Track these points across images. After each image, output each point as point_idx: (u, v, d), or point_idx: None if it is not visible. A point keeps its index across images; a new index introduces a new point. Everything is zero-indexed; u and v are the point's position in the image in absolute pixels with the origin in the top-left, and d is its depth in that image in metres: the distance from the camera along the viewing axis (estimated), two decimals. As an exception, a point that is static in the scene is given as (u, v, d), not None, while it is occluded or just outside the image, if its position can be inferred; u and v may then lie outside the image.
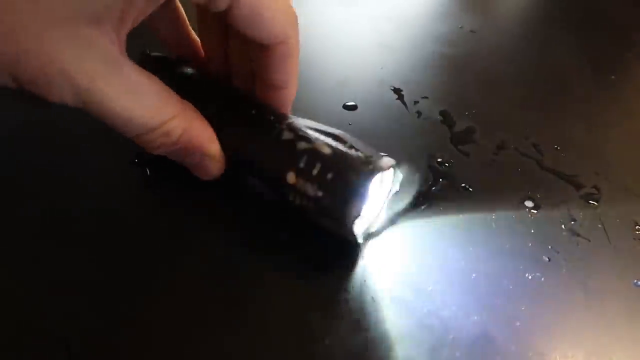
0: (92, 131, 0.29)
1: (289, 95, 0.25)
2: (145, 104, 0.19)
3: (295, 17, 0.22)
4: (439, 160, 0.30)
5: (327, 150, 0.21)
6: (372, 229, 0.24)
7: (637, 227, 0.27)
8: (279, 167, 0.22)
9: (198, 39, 0.27)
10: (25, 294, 0.20)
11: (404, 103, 0.35)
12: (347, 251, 0.23)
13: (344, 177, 0.20)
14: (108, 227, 0.23)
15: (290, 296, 0.21)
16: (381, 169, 0.21)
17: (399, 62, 0.41)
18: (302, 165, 0.21)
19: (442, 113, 0.34)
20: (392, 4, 0.52)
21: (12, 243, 0.22)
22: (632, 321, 0.22)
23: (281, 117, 0.23)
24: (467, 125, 0.33)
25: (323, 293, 0.21)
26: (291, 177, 0.21)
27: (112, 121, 0.19)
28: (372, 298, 0.21)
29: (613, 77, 0.43)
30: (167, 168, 0.27)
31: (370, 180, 0.20)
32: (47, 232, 0.23)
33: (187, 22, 0.26)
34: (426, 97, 0.36)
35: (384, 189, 0.24)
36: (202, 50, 0.27)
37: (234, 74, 0.27)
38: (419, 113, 0.34)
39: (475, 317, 0.21)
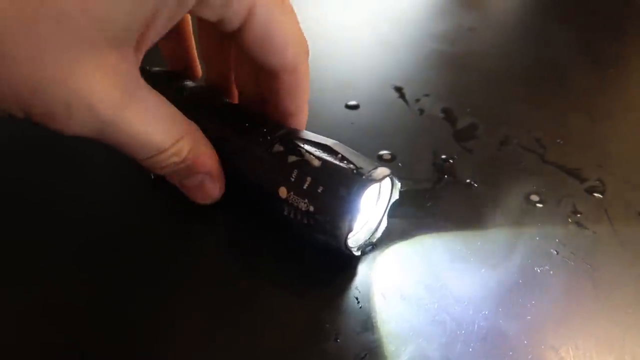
0: (89, 141, 0.29)
1: (299, 122, 0.24)
2: (159, 127, 0.19)
3: (307, 47, 0.22)
4: (443, 157, 0.30)
5: (316, 163, 0.20)
6: (374, 240, 0.23)
7: (642, 218, 0.27)
8: (271, 183, 0.21)
9: (197, 61, 0.27)
10: (33, 301, 0.20)
11: (406, 101, 0.35)
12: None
13: (334, 191, 0.20)
14: (111, 232, 0.23)
15: (300, 295, 0.21)
16: (373, 181, 0.20)
17: (399, 60, 0.41)
18: (292, 179, 0.21)
19: (444, 110, 0.34)
20: (390, 4, 0.53)
21: (18, 250, 0.22)
22: (641, 311, 0.22)
23: (274, 129, 0.23)
24: (470, 122, 0.33)
25: (333, 291, 0.21)
26: (283, 192, 0.21)
27: (127, 147, 0.19)
28: (383, 295, 0.21)
29: (612, 70, 0.44)
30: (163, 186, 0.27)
31: (362, 194, 0.20)
32: (49, 238, 0.23)
33: (193, 41, 0.26)
34: (427, 95, 0.36)
35: (382, 199, 0.23)
36: (199, 72, 0.27)
37: (239, 97, 0.26)
38: (420, 111, 0.34)
39: (486, 312, 0.21)
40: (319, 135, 0.22)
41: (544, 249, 0.24)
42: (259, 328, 0.20)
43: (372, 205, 0.23)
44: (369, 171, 0.20)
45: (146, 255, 0.22)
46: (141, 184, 0.26)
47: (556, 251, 0.24)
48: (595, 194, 0.28)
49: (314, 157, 0.21)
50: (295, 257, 0.23)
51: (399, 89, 0.36)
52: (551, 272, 0.23)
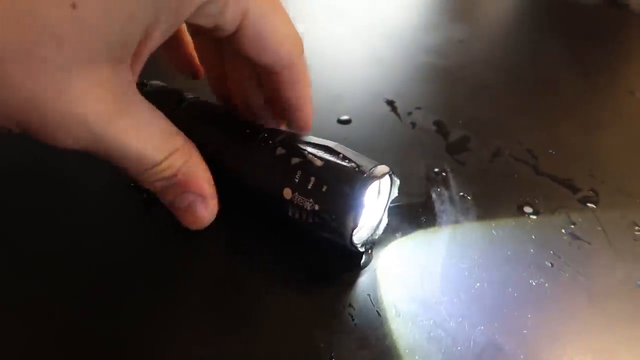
0: (86, 155, 0.29)
1: (305, 117, 0.25)
2: (153, 140, 0.19)
3: (301, 43, 0.22)
4: (436, 170, 0.30)
5: (319, 163, 0.21)
6: (376, 237, 0.24)
7: (636, 227, 0.27)
8: (275, 184, 0.22)
9: (197, 60, 0.27)
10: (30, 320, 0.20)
11: (398, 115, 0.35)
12: (350, 265, 0.23)
13: (338, 189, 0.21)
14: (108, 251, 0.23)
15: (294, 313, 0.21)
16: (375, 178, 0.21)
17: (390, 74, 0.41)
18: (296, 180, 0.21)
19: (436, 123, 0.34)
20: (381, 18, 0.53)
21: (13, 273, 0.22)
22: (638, 322, 0.22)
23: (274, 134, 0.24)
24: (462, 134, 0.33)
25: (327, 309, 0.21)
26: (287, 193, 0.22)
27: (121, 161, 0.19)
28: (377, 312, 0.21)
29: (602, 79, 0.44)
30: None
31: (365, 190, 0.20)
32: (44, 262, 0.22)
33: (191, 42, 0.26)
34: (419, 108, 0.36)
35: (382, 196, 0.24)
36: (201, 71, 0.27)
37: (233, 98, 0.27)
38: (413, 124, 0.34)
39: (482, 327, 0.21)
40: (319, 138, 0.23)
41: (538, 261, 0.24)
42: (252, 349, 0.19)
43: (374, 202, 0.23)
44: (370, 169, 0.21)
45: (140, 274, 0.22)
46: (134, 203, 0.26)
47: (551, 263, 0.24)
48: (589, 204, 0.28)
49: (316, 158, 0.21)
50: (286, 276, 0.23)
51: (390, 103, 0.36)
52: (546, 285, 0.23)
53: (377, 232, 0.24)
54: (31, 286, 0.21)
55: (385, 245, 0.24)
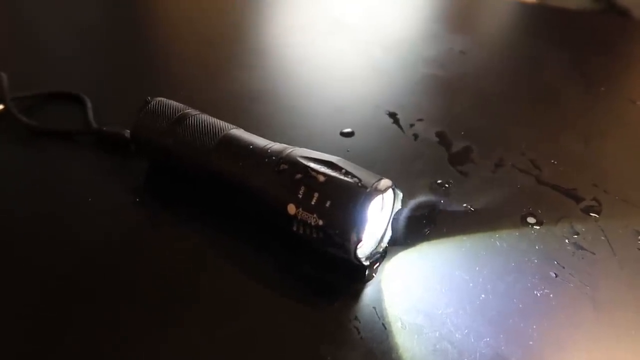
0: (91, 172, 0.29)
1: None
2: None
3: None
4: (439, 181, 0.30)
5: (322, 179, 0.22)
6: (380, 249, 0.24)
7: (639, 237, 0.27)
8: (279, 200, 0.22)
9: None
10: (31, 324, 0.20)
11: (400, 126, 0.35)
12: (354, 279, 0.23)
13: (341, 204, 0.21)
14: (114, 266, 0.23)
15: (300, 327, 0.21)
16: (378, 192, 0.21)
17: (392, 86, 0.42)
18: (300, 195, 0.22)
19: (438, 134, 0.35)
20: (381, 31, 0.54)
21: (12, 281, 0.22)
22: (644, 333, 0.22)
23: (277, 150, 0.24)
24: (464, 145, 0.34)
25: (333, 322, 0.21)
26: (292, 209, 0.22)
27: None
28: (383, 325, 0.21)
29: (603, 89, 0.44)
30: (171, 207, 0.27)
31: (367, 205, 0.21)
32: (50, 276, 0.23)
33: None
34: (421, 120, 0.36)
35: (385, 209, 0.24)
36: None
37: None
38: (415, 136, 0.35)
39: (488, 339, 0.21)
40: (321, 153, 0.23)
41: (543, 271, 0.24)
42: (259, 363, 0.20)
43: (377, 215, 0.24)
44: (373, 183, 0.21)
45: (148, 291, 0.22)
46: (140, 219, 0.26)
47: (555, 274, 0.24)
48: (592, 214, 0.28)
49: (319, 174, 0.22)
50: (293, 290, 0.23)
51: (393, 115, 0.37)
52: (551, 296, 0.23)
53: (382, 245, 0.24)
54: (29, 295, 0.21)
55: (390, 258, 0.24)
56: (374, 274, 0.23)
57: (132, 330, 0.21)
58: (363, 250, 0.23)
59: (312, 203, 0.21)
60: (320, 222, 0.21)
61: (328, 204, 0.21)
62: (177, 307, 0.22)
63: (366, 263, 0.23)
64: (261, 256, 0.24)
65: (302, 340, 0.20)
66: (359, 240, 0.21)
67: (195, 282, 0.23)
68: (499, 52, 0.53)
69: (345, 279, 0.23)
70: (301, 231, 0.22)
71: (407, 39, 0.52)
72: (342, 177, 0.22)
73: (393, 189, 0.23)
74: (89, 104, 0.34)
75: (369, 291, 0.23)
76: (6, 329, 0.20)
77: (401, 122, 0.36)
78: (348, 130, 0.34)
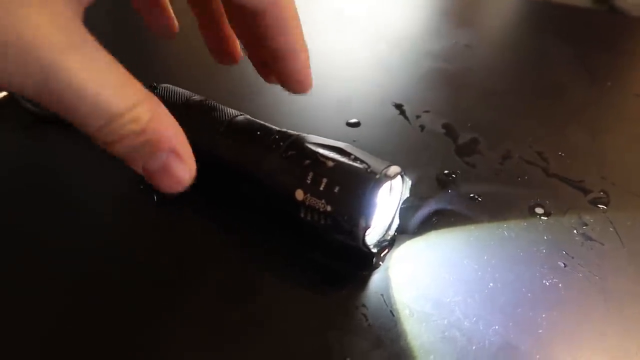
0: (97, 159, 0.29)
1: (302, 62, 0.22)
2: (111, 86, 0.16)
3: None
4: (446, 172, 0.30)
5: (330, 164, 0.21)
6: (388, 237, 0.24)
7: (648, 228, 0.27)
8: (287, 186, 0.22)
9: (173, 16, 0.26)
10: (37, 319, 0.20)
11: (407, 118, 0.35)
12: (362, 267, 0.23)
13: (350, 190, 0.21)
14: (119, 253, 0.23)
15: (308, 314, 0.21)
16: (387, 178, 0.21)
17: (398, 79, 0.42)
18: (308, 181, 0.21)
19: (444, 126, 0.34)
20: (387, 25, 0.54)
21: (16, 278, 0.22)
22: (654, 323, 0.22)
23: (285, 136, 0.24)
24: (471, 137, 0.33)
25: (341, 310, 0.21)
26: (299, 194, 0.22)
27: (76, 108, 0.16)
28: (391, 312, 0.21)
29: (609, 83, 0.44)
30: (177, 194, 0.27)
31: (377, 191, 0.21)
32: (53, 265, 0.22)
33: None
34: (428, 111, 0.36)
35: (394, 196, 0.24)
36: (175, 25, 0.26)
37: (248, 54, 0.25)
38: (422, 127, 0.34)
39: (497, 327, 0.21)
40: (329, 139, 0.23)
41: (551, 261, 0.24)
42: (266, 351, 0.19)
43: (386, 202, 0.23)
44: (382, 170, 0.21)
45: (151, 278, 0.22)
46: (143, 206, 0.26)
47: (564, 264, 0.24)
48: (600, 206, 0.28)
49: (327, 159, 0.21)
50: (299, 278, 0.23)
51: (399, 106, 0.36)
52: (560, 285, 0.23)
53: (389, 233, 0.24)
54: (40, 285, 0.21)
55: (398, 246, 0.24)
56: (381, 262, 0.23)
57: (139, 316, 0.20)
58: (371, 238, 0.23)
59: (321, 189, 0.21)
60: (329, 208, 0.21)
61: (337, 189, 0.21)
62: (184, 295, 0.21)
63: (374, 250, 0.23)
64: (268, 243, 0.24)
65: (310, 326, 0.20)
66: (368, 227, 0.21)
67: (202, 270, 0.23)
68: (504, 46, 0.53)
69: (353, 266, 0.23)
70: (309, 217, 0.22)
71: (413, 33, 0.52)
72: (351, 162, 0.21)
73: (402, 176, 0.23)
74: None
75: (376, 279, 0.22)
76: (6, 318, 0.20)
77: (407, 114, 0.36)
78: (354, 120, 0.34)
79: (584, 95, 0.42)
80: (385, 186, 0.22)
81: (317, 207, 0.21)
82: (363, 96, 0.38)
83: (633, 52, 0.55)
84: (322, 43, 0.46)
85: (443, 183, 0.29)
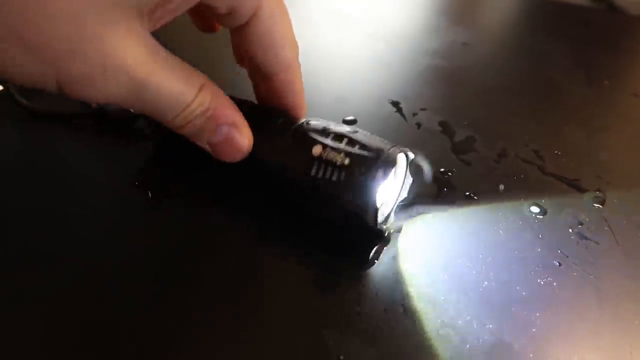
0: (90, 155, 0.29)
1: (299, 116, 0.26)
2: (183, 81, 0.20)
3: (297, 46, 0.24)
4: (442, 170, 0.30)
5: (352, 134, 0.22)
6: (390, 220, 0.24)
7: (643, 228, 0.27)
8: (308, 143, 0.22)
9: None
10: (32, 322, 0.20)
11: (403, 115, 0.35)
12: (357, 264, 0.23)
13: (372, 147, 0.21)
14: (113, 250, 0.23)
15: (302, 312, 0.21)
16: (405, 151, 0.23)
17: (395, 76, 0.41)
18: (329, 139, 0.22)
19: (441, 123, 0.34)
20: (385, 23, 0.53)
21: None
22: (648, 322, 0.22)
23: (293, 118, 0.25)
24: (467, 135, 0.33)
25: (335, 307, 0.21)
26: (317, 150, 0.22)
27: (158, 106, 0.20)
28: (385, 310, 0.21)
29: (606, 82, 0.44)
30: (169, 188, 0.26)
31: (397, 151, 0.22)
32: (48, 260, 0.22)
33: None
34: (424, 109, 0.36)
35: (398, 177, 0.24)
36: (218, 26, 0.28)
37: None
38: (418, 124, 0.34)
39: (491, 326, 0.21)
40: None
41: (546, 260, 0.24)
42: (261, 348, 0.19)
43: (395, 179, 0.24)
44: (397, 145, 0.22)
45: (145, 275, 0.22)
46: (137, 202, 0.26)
47: (559, 263, 0.24)
48: (596, 205, 0.28)
49: (347, 130, 0.22)
50: (296, 275, 0.22)
51: (395, 104, 0.36)
52: (554, 284, 0.23)
53: (391, 217, 0.25)
54: (36, 284, 0.21)
55: (392, 244, 0.24)
56: (375, 260, 0.23)
57: (129, 314, 0.20)
58: (381, 212, 0.23)
59: (341, 145, 0.22)
60: (347, 161, 0.21)
61: (357, 146, 0.22)
62: (177, 292, 0.21)
63: (382, 227, 0.23)
64: (263, 240, 0.24)
65: (304, 324, 0.20)
66: (385, 178, 0.21)
67: (195, 267, 0.22)
68: (501, 44, 0.53)
69: (348, 263, 0.23)
70: (320, 174, 0.22)
71: (410, 31, 0.52)
72: (370, 135, 0.23)
73: (408, 160, 0.24)
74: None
75: (371, 277, 0.22)
76: (5, 316, 0.20)
77: (404, 111, 0.35)
78: (350, 117, 0.34)
79: (581, 94, 0.42)
80: (401, 155, 0.23)
81: (334, 160, 0.21)
82: (360, 93, 0.38)
83: (631, 50, 0.56)
84: (319, 40, 0.46)
85: (439, 181, 0.29)
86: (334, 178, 0.21)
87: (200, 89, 0.20)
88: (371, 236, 0.24)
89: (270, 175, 0.25)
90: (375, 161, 0.21)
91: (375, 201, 0.21)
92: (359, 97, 0.37)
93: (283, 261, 0.23)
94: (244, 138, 0.22)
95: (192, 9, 0.22)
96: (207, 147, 0.23)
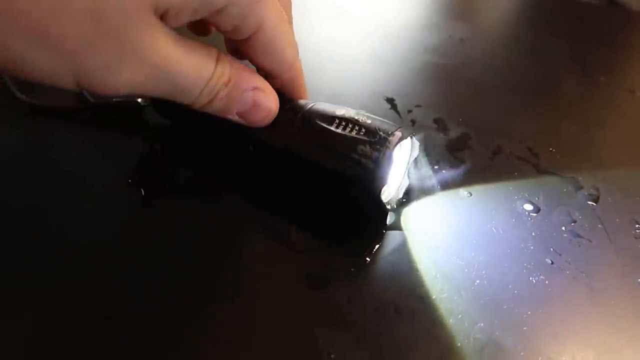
0: (87, 152, 0.29)
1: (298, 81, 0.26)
2: (201, 57, 0.20)
3: (297, 47, 0.24)
4: (436, 167, 0.30)
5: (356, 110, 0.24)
6: (394, 204, 0.25)
7: (637, 225, 0.27)
8: (326, 109, 0.24)
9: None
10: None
11: (398, 112, 0.35)
12: (349, 263, 0.23)
13: (385, 122, 0.23)
14: (107, 248, 0.23)
15: (294, 310, 0.21)
16: (411, 132, 0.24)
17: (390, 73, 0.41)
18: (340, 116, 0.23)
19: (436, 121, 0.34)
20: (381, 17, 0.53)
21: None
22: (638, 319, 0.22)
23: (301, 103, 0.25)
24: (462, 132, 0.33)
25: (327, 306, 0.21)
26: (340, 111, 0.24)
27: (180, 86, 0.20)
28: (377, 309, 0.21)
29: (602, 79, 0.44)
30: (163, 187, 0.26)
31: (409, 130, 0.23)
32: (42, 257, 0.22)
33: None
34: (419, 106, 0.36)
35: (402, 159, 0.25)
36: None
37: None
38: (413, 122, 0.34)
39: (482, 324, 0.21)
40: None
41: (539, 258, 0.24)
42: (252, 347, 0.19)
43: (401, 157, 0.25)
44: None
45: (139, 273, 0.22)
46: (131, 200, 0.26)
47: (551, 260, 0.24)
48: (589, 202, 0.28)
49: (356, 111, 0.24)
50: (287, 273, 0.22)
51: (390, 100, 0.36)
52: (547, 282, 0.23)
53: (394, 200, 0.25)
54: (31, 283, 0.21)
55: (385, 242, 0.24)
56: (368, 259, 0.23)
57: (121, 314, 0.20)
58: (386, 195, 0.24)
59: (360, 112, 0.24)
60: (368, 121, 0.23)
61: (372, 118, 0.23)
62: (168, 292, 0.21)
63: (388, 207, 0.24)
64: (255, 238, 0.24)
65: (296, 322, 0.20)
66: (401, 140, 0.22)
67: (187, 265, 0.22)
68: (499, 40, 0.53)
69: (339, 262, 0.23)
70: (341, 129, 0.23)
71: (407, 26, 0.52)
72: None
73: (412, 141, 0.25)
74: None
75: (363, 275, 0.22)
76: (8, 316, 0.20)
77: (399, 108, 0.35)
78: (345, 115, 0.34)
79: (577, 91, 0.42)
80: (408, 141, 0.24)
81: (356, 117, 0.23)
82: (355, 90, 0.38)
83: (628, 46, 0.55)
84: (315, 36, 0.46)
85: (433, 178, 0.29)
86: (353, 133, 0.23)
87: (217, 62, 0.21)
88: (364, 235, 0.24)
89: (279, 157, 0.25)
90: (393, 126, 0.23)
91: (392, 157, 0.22)
92: (353, 94, 0.37)
93: (275, 259, 0.23)
94: (270, 98, 0.23)
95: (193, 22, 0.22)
96: (237, 118, 0.23)
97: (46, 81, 0.18)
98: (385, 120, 0.23)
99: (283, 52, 0.23)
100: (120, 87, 0.18)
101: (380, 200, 0.23)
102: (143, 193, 0.26)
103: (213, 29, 0.27)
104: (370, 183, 0.22)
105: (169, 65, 0.19)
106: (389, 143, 0.22)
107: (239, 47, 0.23)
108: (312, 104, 0.25)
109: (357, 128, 0.23)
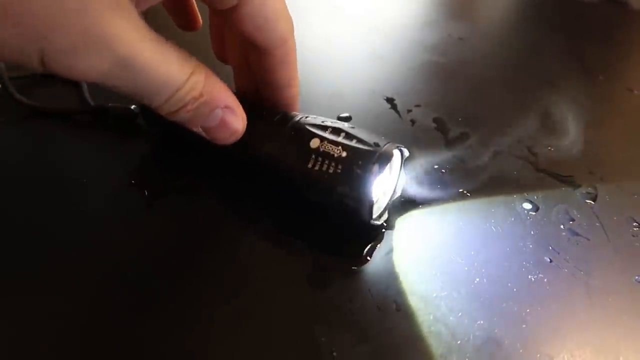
0: (88, 154, 0.29)
1: (295, 93, 0.26)
2: (173, 63, 0.19)
3: (292, 21, 0.24)
4: (435, 167, 0.30)
5: (349, 129, 0.23)
6: (384, 217, 0.25)
7: (634, 223, 0.27)
8: (305, 136, 0.23)
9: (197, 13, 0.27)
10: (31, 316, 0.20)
11: (397, 112, 0.35)
12: (350, 261, 0.23)
13: (368, 143, 0.22)
14: (110, 248, 0.23)
15: (295, 308, 0.21)
16: (400, 147, 0.24)
17: (390, 72, 0.41)
18: (327, 132, 0.23)
19: (435, 120, 0.35)
20: (380, 16, 0.53)
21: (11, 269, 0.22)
22: (637, 317, 0.22)
23: (290, 114, 0.25)
24: (461, 131, 0.34)
25: (328, 304, 0.21)
26: (315, 142, 0.23)
27: (145, 88, 0.19)
28: (378, 307, 0.21)
29: (601, 77, 0.44)
30: (165, 187, 0.27)
31: (393, 148, 0.23)
32: (43, 258, 0.22)
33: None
34: (419, 106, 0.36)
35: (393, 173, 0.25)
36: (199, 21, 0.28)
37: (235, 74, 0.28)
38: (412, 121, 0.34)
39: (481, 322, 0.21)
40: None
41: (537, 257, 0.24)
42: (252, 345, 0.20)
43: (388, 177, 0.25)
44: (393, 142, 0.23)
45: (141, 272, 0.22)
46: (134, 201, 0.26)
47: (550, 259, 0.24)
48: (588, 201, 0.28)
49: (344, 127, 0.23)
50: (288, 271, 0.23)
51: (390, 100, 0.36)
52: (545, 280, 0.23)
53: (384, 214, 0.25)
54: (31, 284, 0.21)
55: (385, 240, 0.24)
56: (368, 257, 0.23)
57: (124, 311, 0.20)
58: (376, 207, 0.24)
59: (338, 139, 0.22)
60: (344, 154, 0.22)
61: (354, 141, 0.22)
62: (171, 290, 0.21)
63: (377, 222, 0.24)
64: (256, 237, 0.24)
65: (297, 320, 0.21)
66: (381, 172, 0.22)
67: (190, 264, 0.23)
68: (498, 39, 0.53)
69: (341, 260, 0.23)
70: (317, 167, 0.22)
71: (407, 25, 0.52)
72: (365, 132, 0.23)
73: (402, 162, 0.25)
74: (85, 84, 0.33)
75: (363, 273, 0.23)
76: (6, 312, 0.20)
77: (399, 108, 0.36)
78: (345, 114, 0.34)
79: (576, 89, 0.42)
80: (397, 152, 0.24)
81: (332, 152, 0.22)
82: (354, 90, 0.38)
83: (627, 44, 0.56)
84: (313, 35, 0.46)
85: (432, 177, 0.29)
86: (331, 170, 0.22)
87: (192, 73, 0.20)
88: (364, 233, 0.25)
89: (268, 170, 0.25)
90: (372, 155, 0.22)
91: (371, 194, 0.22)
92: (353, 93, 0.37)
93: (276, 258, 0.23)
94: (238, 120, 0.22)
95: (176, 2, 0.22)
96: (200, 131, 0.22)
97: (14, 61, 0.17)
98: (368, 137, 0.23)
99: (275, 24, 0.22)
100: (86, 72, 0.17)
101: (370, 220, 0.23)
102: (146, 194, 0.26)
103: (201, 22, 0.28)
104: (356, 215, 0.23)
105: (136, 60, 0.18)
106: (370, 174, 0.21)
107: (229, 20, 0.23)
108: (302, 115, 0.24)
109: (333, 165, 0.22)
